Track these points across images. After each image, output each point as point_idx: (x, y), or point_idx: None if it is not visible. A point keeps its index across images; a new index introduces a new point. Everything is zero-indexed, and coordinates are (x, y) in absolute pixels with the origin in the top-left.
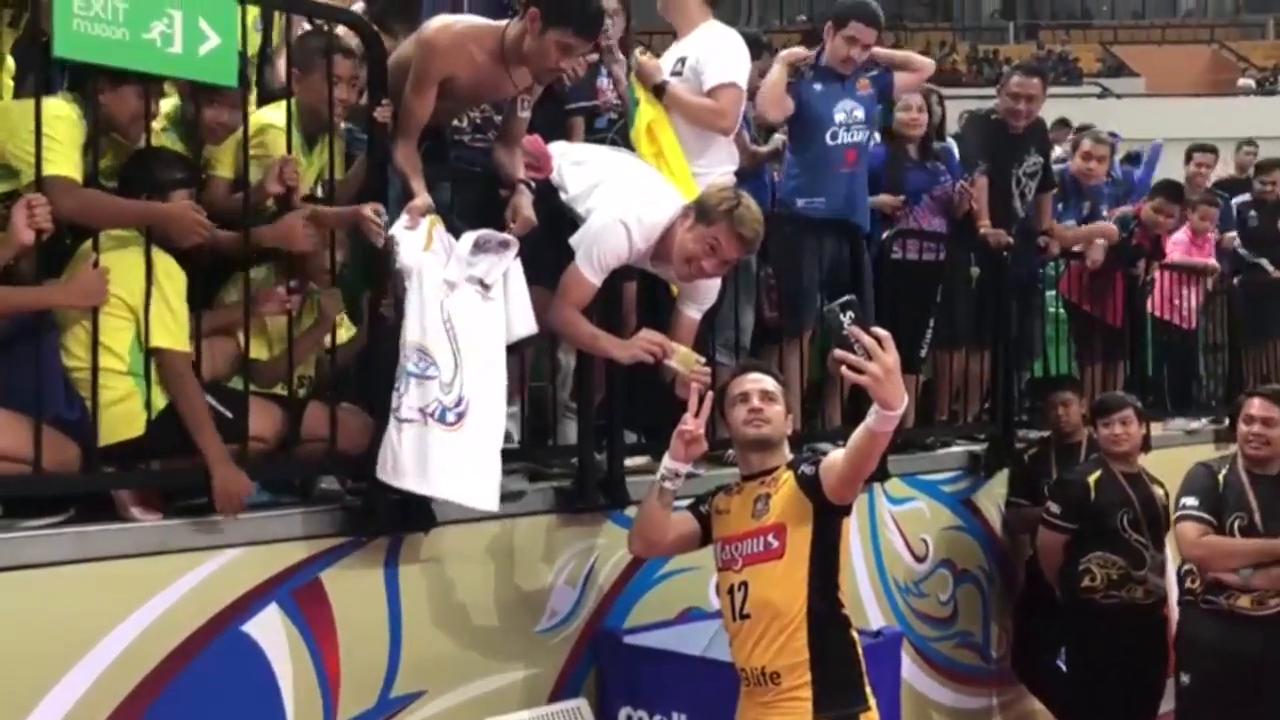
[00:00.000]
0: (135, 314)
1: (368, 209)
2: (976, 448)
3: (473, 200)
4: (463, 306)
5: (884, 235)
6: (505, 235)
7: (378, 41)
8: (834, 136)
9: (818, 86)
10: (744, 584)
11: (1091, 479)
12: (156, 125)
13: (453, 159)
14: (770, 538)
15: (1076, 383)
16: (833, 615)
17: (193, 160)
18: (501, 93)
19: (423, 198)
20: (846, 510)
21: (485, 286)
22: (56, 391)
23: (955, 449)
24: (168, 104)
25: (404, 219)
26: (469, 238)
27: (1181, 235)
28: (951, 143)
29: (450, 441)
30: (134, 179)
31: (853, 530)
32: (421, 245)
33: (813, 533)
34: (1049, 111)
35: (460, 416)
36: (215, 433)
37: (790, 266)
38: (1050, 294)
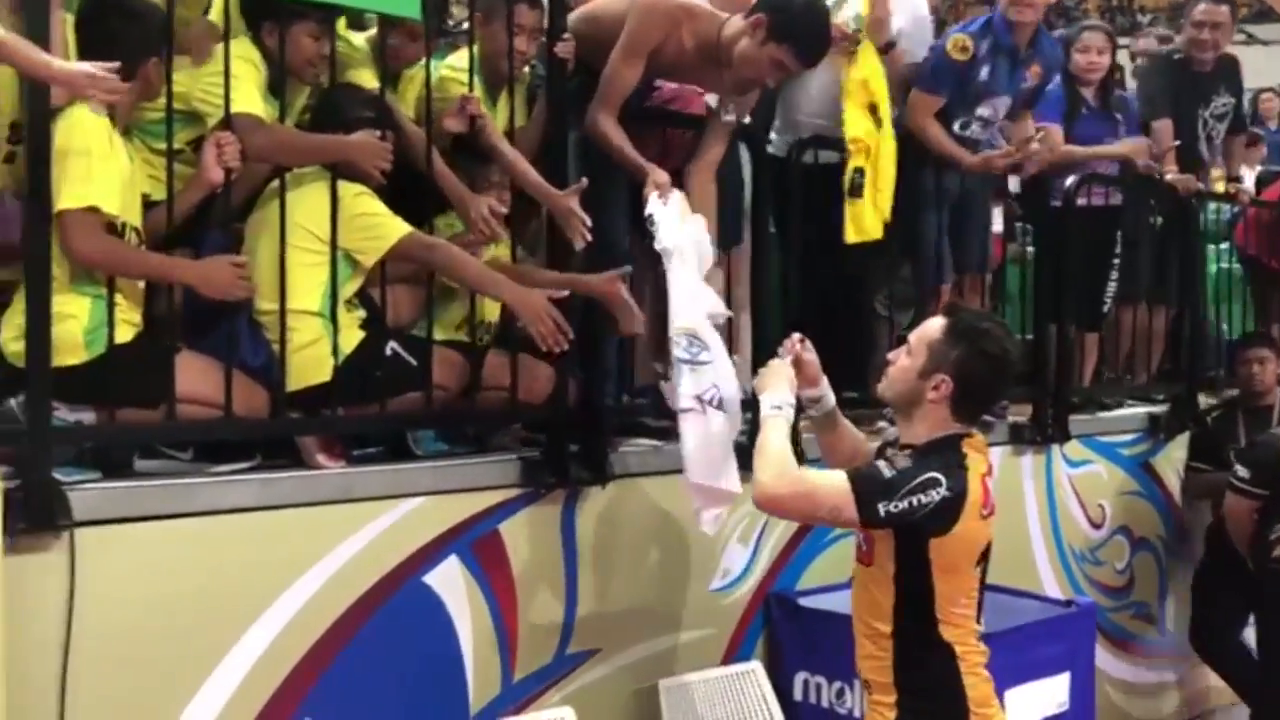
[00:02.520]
0: (326, 247)
1: (579, 212)
2: (1156, 409)
3: None
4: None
5: (1068, 181)
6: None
7: None
8: (964, 126)
9: (985, 70)
10: (855, 580)
11: None
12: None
13: None
14: (863, 537)
15: (1273, 340)
16: (926, 636)
17: (382, 99)
18: (694, 83)
19: (659, 173)
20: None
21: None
22: (242, 338)
23: (1134, 410)
24: (359, 38)
25: (654, 195)
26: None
27: None
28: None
29: (726, 427)
30: (323, 116)
31: (1028, 496)
32: (678, 221)
33: (895, 544)
34: None
35: (720, 404)
36: (498, 276)
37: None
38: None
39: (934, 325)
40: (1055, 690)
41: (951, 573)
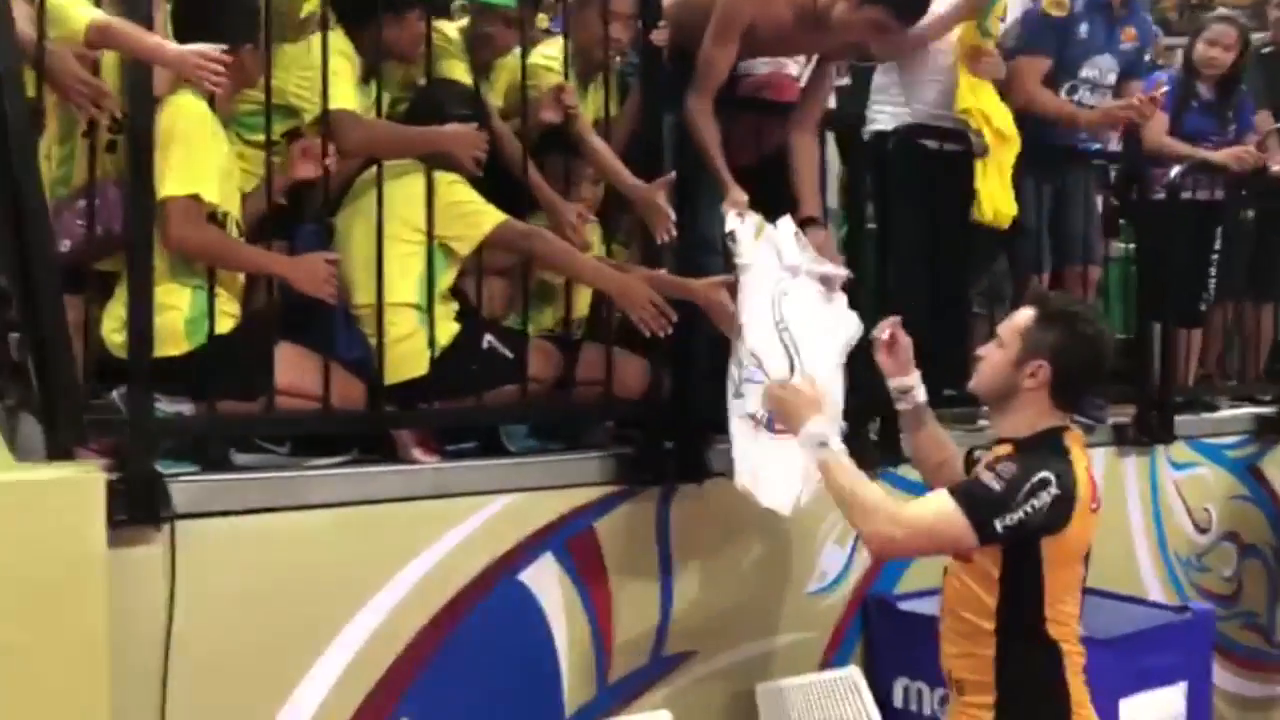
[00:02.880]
0: (421, 237)
1: (664, 206)
2: (1265, 410)
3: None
4: (801, 303)
5: (1174, 172)
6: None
7: None
8: (1072, 90)
9: (1084, 27)
10: (950, 573)
11: None
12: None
13: None
14: None
15: None
16: (1032, 634)
17: (478, 95)
18: (799, 52)
19: (738, 191)
20: None
21: (829, 285)
22: (338, 332)
23: (1241, 410)
24: (452, 29)
25: (733, 213)
26: (788, 224)
27: None
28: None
29: (778, 449)
30: (421, 111)
31: (1131, 499)
32: (753, 236)
33: (1003, 544)
34: None
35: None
36: (597, 263)
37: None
38: None
39: (1024, 314)
40: (1172, 701)
41: (1061, 569)
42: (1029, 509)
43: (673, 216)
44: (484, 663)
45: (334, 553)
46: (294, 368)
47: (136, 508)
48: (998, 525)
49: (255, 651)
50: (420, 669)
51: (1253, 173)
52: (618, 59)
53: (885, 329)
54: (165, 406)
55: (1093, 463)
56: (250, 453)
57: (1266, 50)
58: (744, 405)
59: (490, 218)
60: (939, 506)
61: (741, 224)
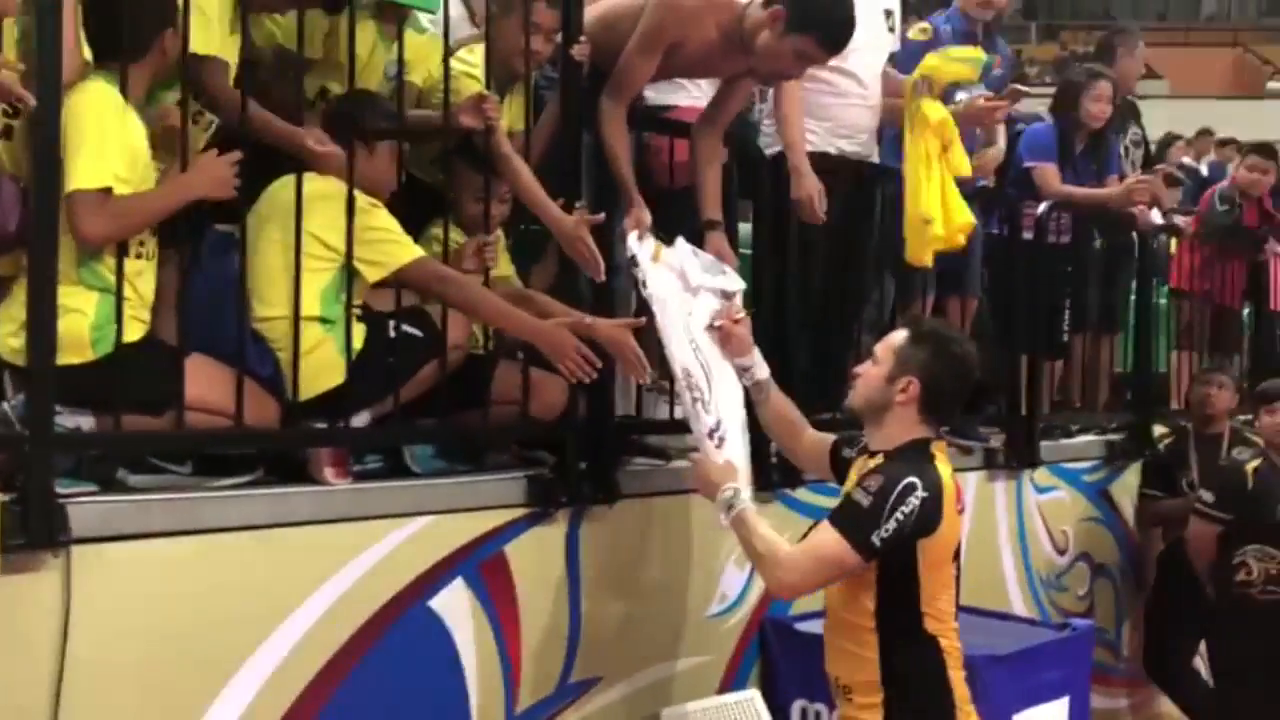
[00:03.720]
0: (330, 253)
1: (587, 239)
2: (1114, 437)
3: None
4: (703, 318)
5: (1039, 210)
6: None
7: None
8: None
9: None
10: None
11: (1249, 467)
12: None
13: None
14: None
15: (1233, 371)
16: (911, 631)
17: (399, 113)
18: (721, 74)
19: (642, 208)
20: None
21: (727, 297)
22: (248, 347)
23: (1093, 437)
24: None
25: (634, 234)
26: (684, 245)
27: None
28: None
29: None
30: (340, 125)
31: (1000, 520)
32: (651, 259)
33: None
34: None
35: (722, 440)
36: (517, 311)
37: None
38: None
39: (898, 334)
40: (1056, 715)
41: (935, 568)
42: (900, 516)
43: (597, 255)
44: (393, 691)
45: (243, 577)
46: (205, 380)
47: (32, 532)
48: (874, 539)
49: (158, 684)
50: (329, 698)
51: (1100, 213)
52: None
53: (730, 316)
54: (63, 420)
55: (956, 473)
56: (145, 473)
57: None
58: (703, 426)
59: (405, 251)
60: (819, 539)
61: (641, 247)
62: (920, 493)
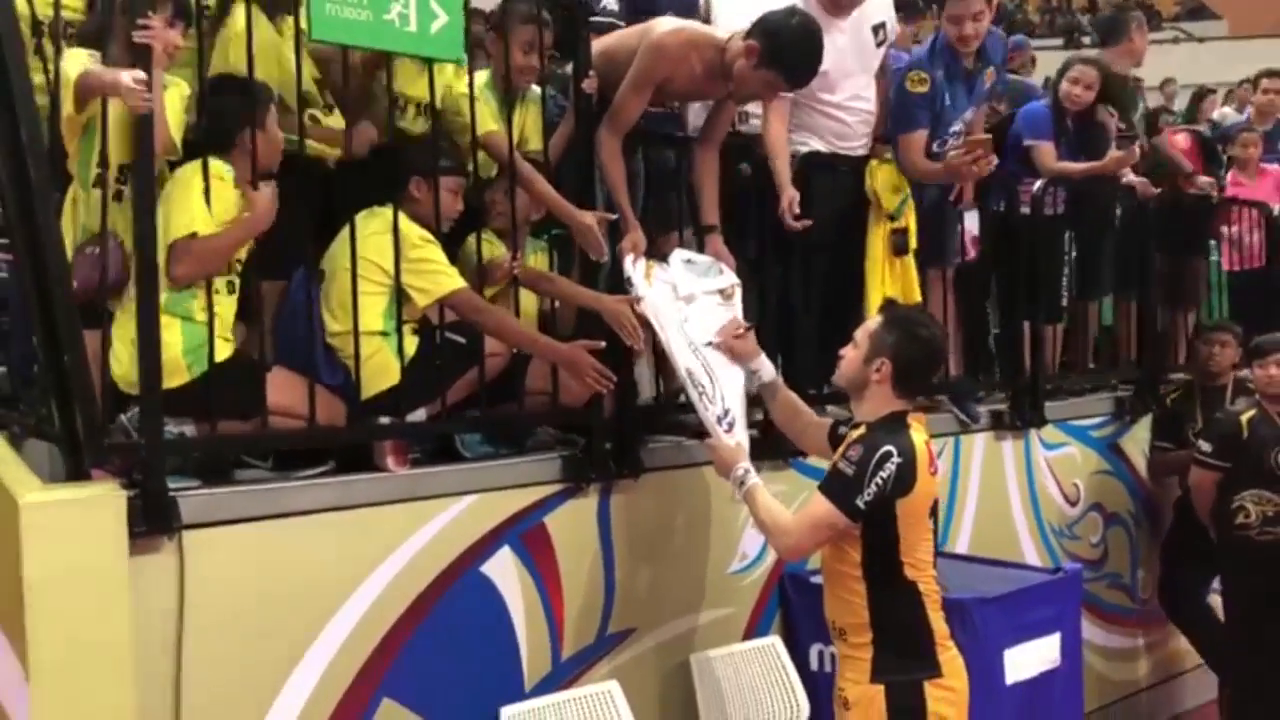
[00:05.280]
0: (387, 279)
1: (596, 229)
2: (1123, 393)
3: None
4: (702, 320)
5: (1035, 186)
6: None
7: (584, 12)
8: (942, 143)
9: (947, 97)
10: None
11: (1244, 418)
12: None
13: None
14: None
15: (1234, 328)
16: (893, 578)
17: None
18: (707, 98)
19: (637, 233)
20: None
21: (725, 295)
22: (319, 363)
23: (1103, 395)
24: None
25: (629, 258)
26: (678, 257)
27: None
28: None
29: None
30: (390, 173)
31: (1010, 477)
32: (644, 278)
33: None
34: None
35: (731, 425)
36: (539, 336)
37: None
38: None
39: (873, 320)
40: (1048, 649)
41: (911, 524)
42: (879, 480)
43: (605, 245)
44: (453, 646)
45: (320, 553)
46: (284, 389)
47: (151, 521)
48: (859, 503)
49: (254, 643)
50: (398, 653)
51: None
52: (535, 89)
53: (738, 328)
54: (170, 427)
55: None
56: (238, 469)
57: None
58: (711, 416)
59: (449, 281)
60: (811, 505)
61: (634, 269)
62: (896, 459)
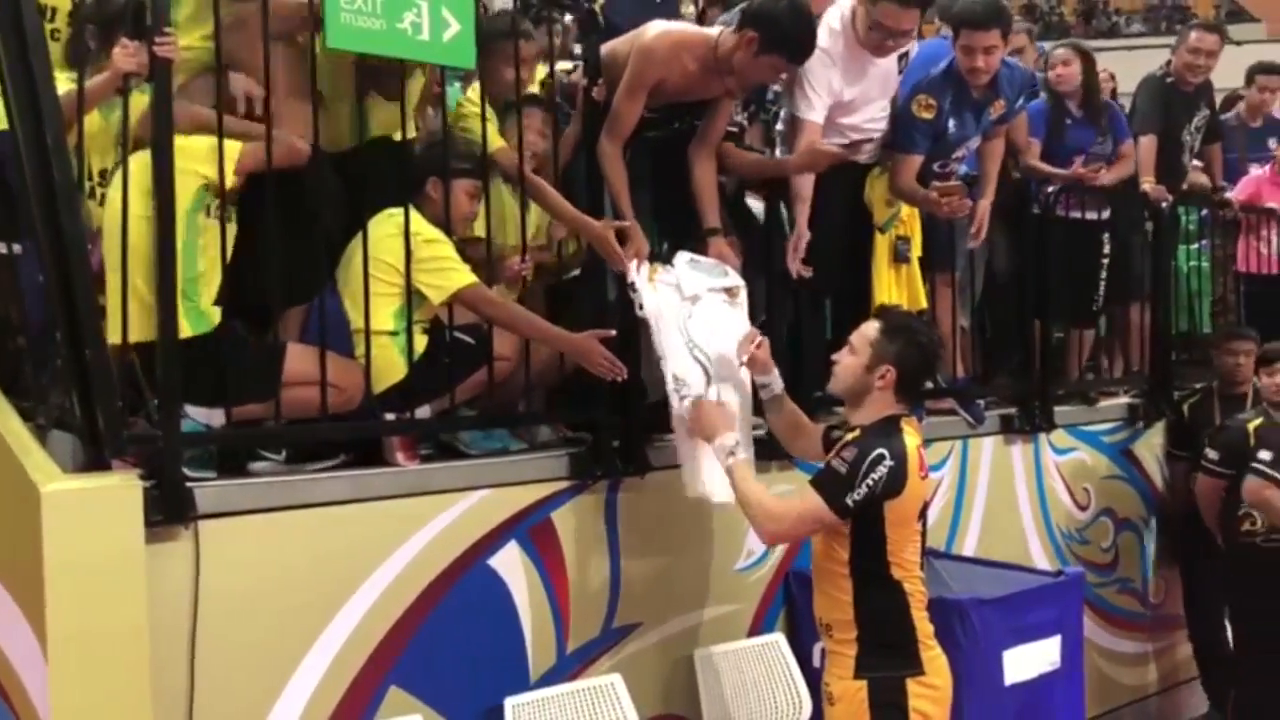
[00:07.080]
0: (399, 279)
1: (612, 240)
2: (1136, 399)
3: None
4: (706, 320)
5: (1049, 190)
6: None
7: (595, 26)
8: (943, 167)
9: (952, 124)
10: (815, 535)
11: (1252, 426)
12: None
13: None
14: None
15: (1254, 334)
16: (879, 577)
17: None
18: (706, 95)
19: (640, 238)
20: None
21: (731, 295)
22: (342, 344)
23: (1116, 400)
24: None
25: (633, 263)
26: (682, 258)
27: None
28: (1117, 103)
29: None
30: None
31: (1019, 481)
32: (648, 282)
33: None
34: (1160, 58)
35: (723, 405)
36: (551, 326)
37: None
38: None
39: (870, 326)
40: (1048, 651)
41: (900, 525)
42: (870, 481)
43: (621, 254)
44: (460, 637)
45: (332, 544)
46: (303, 357)
47: (168, 510)
48: (848, 501)
49: (266, 630)
50: (406, 643)
51: (1129, 193)
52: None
53: (755, 340)
54: (197, 416)
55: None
56: (254, 461)
57: (1169, 80)
58: (681, 414)
59: (461, 277)
60: (803, 498)
61: (638, 274)
62: (888, 461)
